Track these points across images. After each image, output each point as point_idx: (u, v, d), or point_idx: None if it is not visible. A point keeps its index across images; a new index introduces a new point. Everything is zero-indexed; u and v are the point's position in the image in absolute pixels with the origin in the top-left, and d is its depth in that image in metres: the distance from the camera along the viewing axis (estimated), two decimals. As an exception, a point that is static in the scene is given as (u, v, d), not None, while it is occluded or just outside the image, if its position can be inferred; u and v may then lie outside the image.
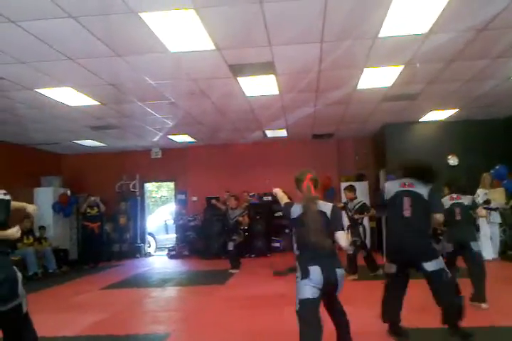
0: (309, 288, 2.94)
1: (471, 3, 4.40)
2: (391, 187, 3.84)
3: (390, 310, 3.82)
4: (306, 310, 2.94)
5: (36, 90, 6.45)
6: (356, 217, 7.10)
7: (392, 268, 3.78)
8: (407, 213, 3.67)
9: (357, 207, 7.12)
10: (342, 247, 3.10)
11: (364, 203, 7.25)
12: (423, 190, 3.70)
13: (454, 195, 5.05)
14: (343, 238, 3.05)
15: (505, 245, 8.69)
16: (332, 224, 3.06)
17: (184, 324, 5.00)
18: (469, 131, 10.16)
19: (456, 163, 10.20)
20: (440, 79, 6.92)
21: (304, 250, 3.07)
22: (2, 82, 6.04)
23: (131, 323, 5.08)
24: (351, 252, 6.91)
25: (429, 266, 3.55)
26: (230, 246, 8.49)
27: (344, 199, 7.76)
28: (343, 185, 10.26)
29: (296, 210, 3.11)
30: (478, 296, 4.72)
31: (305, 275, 2.97)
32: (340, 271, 3.02)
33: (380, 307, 3.90)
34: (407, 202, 3.68)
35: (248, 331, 4.40)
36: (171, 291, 7.13)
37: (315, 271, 2.95)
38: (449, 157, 10.26)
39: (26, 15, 4.20)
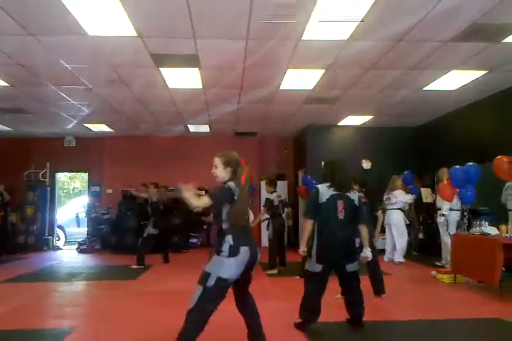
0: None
1: (390, 13, 4.60)
2: (325, 191, 3.98)
3: (310, 308, 3.93)
4: None
5: None
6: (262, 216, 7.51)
7: (318, 268, 3.92)
8: (341, 215, 3.90)
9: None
10: None
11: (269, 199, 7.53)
12: (354, 196, 4.02)
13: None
14: None
15: (410, 246, 9.26)
16: None
17: (90, 319, 4.80)
18: (383, 138, 10.71)
19: (369, 167, 10.69)
20: (357, 85, 7.22)
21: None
22: None
23: (33, 318, 4.77)
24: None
25: (351, 267, 3.91)
26: (139, 241, 8.34)
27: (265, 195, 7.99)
28: (263, 183, 10.43)
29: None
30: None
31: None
32: None
33: (300, 304, 4.01)
34: (340, 205, 3.91)
35: (156, 326, 4.29)
36: (78, 286, 6.81)
37: None
38: (363, 161, 10.73)
39: None
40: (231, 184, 3.14)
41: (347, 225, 3.91)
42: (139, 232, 9.17)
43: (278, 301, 5.28)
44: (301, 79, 6.89)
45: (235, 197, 3.10)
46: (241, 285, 3.21)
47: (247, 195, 3.25)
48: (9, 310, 5.03)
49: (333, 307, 4.39)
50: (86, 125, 10.31)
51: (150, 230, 8.26)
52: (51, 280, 7.10)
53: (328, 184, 3.99)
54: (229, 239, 3.05)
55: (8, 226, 10.76)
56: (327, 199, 3.91)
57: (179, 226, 11.03)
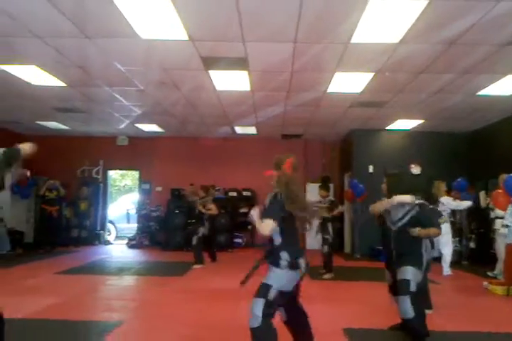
0: None
1: (443, 16, 4.48)
2: None
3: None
4: None
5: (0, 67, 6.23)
6: (331, 214, 7.19)
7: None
8: None
9: (326, 204, 7.21)
10: None
11: (332, 200, 7.41)
12: None
13: None
14: None
15: (461, 255, 8.94)
16: None
17: (138, 313, 4.97)
18: (434, 143, 10.44)
19: (419, 173, 10.41)
20: (408, 89, 7.06)
21: None
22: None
23: (83, 309, 5.00)
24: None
25: None
26: (194, 241, 8.19)
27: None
28: (310, 186, 10.42)
29: None
30: None
31: None
32: None
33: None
34: None
35: (200, 323, 4.40)
36: (127, 280, 7.05)
37: None
38: (413, 166, 10.46)
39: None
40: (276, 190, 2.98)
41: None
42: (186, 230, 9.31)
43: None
44: (349, 83, 6.82)
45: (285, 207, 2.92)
46: (293, 296, 3.08)
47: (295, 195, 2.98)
48: (61, 301, 5.27)
49: (380, 314, 4.33)
50: (138, 125, 10.64)
51: (204, 231, 8.26)
52: (101, 274, 7.38)
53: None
54: (284, 255, 2.91)
55: (62, 220, 11.26)
56: None
57: (224, 227, 11.19)
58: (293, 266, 2.90)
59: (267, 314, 2.81)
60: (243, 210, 11.78)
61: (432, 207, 4.01)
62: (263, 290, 2.86)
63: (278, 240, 2.96)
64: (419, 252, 3.67)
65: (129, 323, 4.43)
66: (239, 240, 11.74)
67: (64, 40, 5.29)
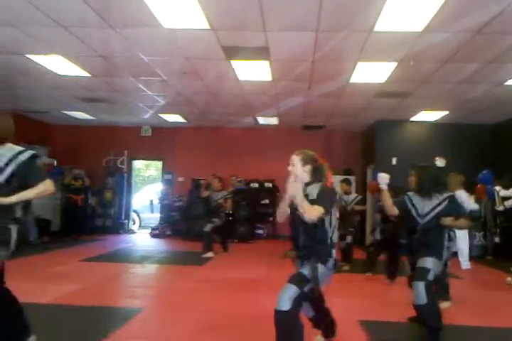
0: None
1: (468, 4, 4.38)
2: None
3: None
4: None
5: (26, 56, 6.35)
6: (357, 208, 7.36)
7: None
8: None
9: (354, 202, 7.32)
10: None
11: (361, 198, 7.55)
12: None
13: None
14: None
15: (485, 250, 8.79)
16: None
17: (158, 300, 5.09)
18: (458, 135, 10.24)
19: (443, 165, 10.24)
20: (432, 79, 6.93)
21: None
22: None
23: (105, 295, 5.12)
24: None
25: None
26: (207, 228, 8.30)
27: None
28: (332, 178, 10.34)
29: None
30: None
31: None
32: None
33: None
34: None
35: (220, 312, 4.46)
36: (149, 268, 7.19)
37: None
38: (437, 158, 10.29)
39: (18, -22, 4.14)
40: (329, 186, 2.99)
41: None
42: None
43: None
44: (372, 73, 6.73)
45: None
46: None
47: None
48: (85, 287, 5.42)
49: (395, 307, 4.31)
50: (161, 115, 10.75)
51: (218, 222, 8.42)
52: (124, 262, 7.53)
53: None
54: (333, 252, 2.93)
55: (87, 209, 11.51)
56: None
57: (245, 218, 11.26)
58: (335, 266, 2.93)
59: (298, 304, 2.76)
60: (264, 201, 11.87)
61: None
62: (301, 280, 2.82)
63: (325, 233, 2.91)
64: (442, 244, 3.68)
65: (149, 310, 4.52)
66: (260, 231, 11.80)
67: (88, 30, 5.37)
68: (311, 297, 2.94)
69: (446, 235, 3.71)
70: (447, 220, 3.62)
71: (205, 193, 8.92)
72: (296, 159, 3.01)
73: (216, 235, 8.65)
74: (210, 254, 8.15)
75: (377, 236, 6.55)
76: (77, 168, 11.17)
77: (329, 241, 2.92)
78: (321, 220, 2.83)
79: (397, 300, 4.86)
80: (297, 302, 2.72)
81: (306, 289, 2.79)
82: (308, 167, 2.98)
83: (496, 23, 4.76)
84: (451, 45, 5.51)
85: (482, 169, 8.79)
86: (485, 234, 9.04)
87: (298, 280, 2.82)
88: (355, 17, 4.76)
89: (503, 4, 4.34)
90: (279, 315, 2.67)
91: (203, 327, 3.96)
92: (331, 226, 2.92)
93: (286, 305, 2.67)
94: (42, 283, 5.49)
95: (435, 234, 3.68)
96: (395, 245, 6.06)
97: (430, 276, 3.48)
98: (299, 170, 2.98)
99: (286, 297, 2.70)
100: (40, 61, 6.57)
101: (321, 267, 2.85)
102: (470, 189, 7.26)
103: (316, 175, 2.99)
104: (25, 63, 6.66)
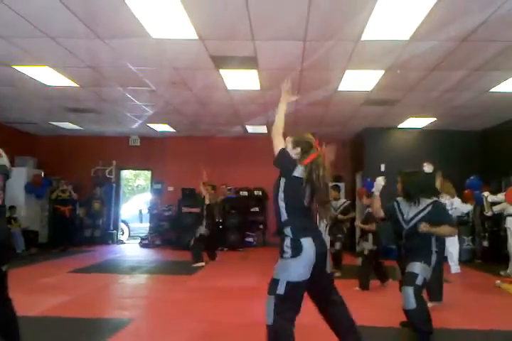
0: None
1: (454, 12, 4.45)
2: None
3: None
4: None
5: (13, 67, 6.31)
6: (340, 217, 7.32)
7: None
8: None
9: (342, 208, 7.35)
10: None
11: (349, 203, 7.56)
12: None
13: None
14: None
15: (474, 254, 8.85)
16: None
17: (148, 311, 5.04)
18: (446, 141, 10.35)
19: (431, 171, 10.30)
20: (419, 87, 7.01)
21: None
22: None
23: (94, 307, 5.07)
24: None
25: None
26: (192, 242, 8.39)
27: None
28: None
29: None
30: None
31: None
32: None
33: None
34: None
35: (211, 321, 4.42)
36: (138, 278, 7.13)
37: None
38: (425, 164, 10.34)
39: (5, -11, 4.11)
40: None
41: None
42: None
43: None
44: (359, 81, 6.78)
45: (295, 174, 2.82)
46: (320, 285, 2.86)
47: (321, 182, 2.83)
48: (74, 299, 5.35)
49: (385, 312, 4.32)
50: (150, 125, 10.71)
51: (202, 230, 8.38)
52: (114, 272, 7.47)
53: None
54: (288, 231, 2.74)
55: (76, 220, 11.38)
56: None
57: (235, 226, 11.23)
58: (295, 249, 2.67)
59: (281, 311, 2.62)
60: (254, 209, 11.85)
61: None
62: (272, 286, 2.70)
63: (283, 209, 2.82)
64: (429, 249, 3.69)
65: (139, 320, 4.48)
66: (250, 239, 11.76)
67: (75, 41, 5.34)
68: (301, 293, 2.73)
69: (434, 240, 3.71)
70: (426, 227, 3.57)
71: (205, 193, 8.82)
72: (288, 140, 3.01)
73: (202, 244, 8.55)
74: (201, 264, 8.10)
75: (369, 246, 6.43)
76: (65, 179, 11.08)
77: (279, 224, 2.84)
78: (276, 192, 2.84)
79: (389, 305, 4.84)
80: (280, 310, 2.62)
81: (280, 291, 2.65)
82: (298, 150, 2.93)
83: (481, 31, 4.84)
84: (438, 53, 5.58)
85: (470, 175, 8.96)
86: (473, 238, 9.11)
87: (270, 287, 2.73)
88: (342, 26, 4.81)
89: (487, 13, 4.41)
90: (267, 328, 2.65)
91: (195, 336, 3.93)
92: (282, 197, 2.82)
93: (270, 319, 2.63)
94: (30, 296, 5.39)
95: (422, 239, 3.68)
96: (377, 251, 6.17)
97: (419, 281, 3.50)
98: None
99: (267, 310, 2.66)
100: (27, 72, 6.53)
101: (280, 261, 2.76)
102: (458, 194, 7.36)
103: (304, 157, 2.90)
104: (12, 74, 6.62)
